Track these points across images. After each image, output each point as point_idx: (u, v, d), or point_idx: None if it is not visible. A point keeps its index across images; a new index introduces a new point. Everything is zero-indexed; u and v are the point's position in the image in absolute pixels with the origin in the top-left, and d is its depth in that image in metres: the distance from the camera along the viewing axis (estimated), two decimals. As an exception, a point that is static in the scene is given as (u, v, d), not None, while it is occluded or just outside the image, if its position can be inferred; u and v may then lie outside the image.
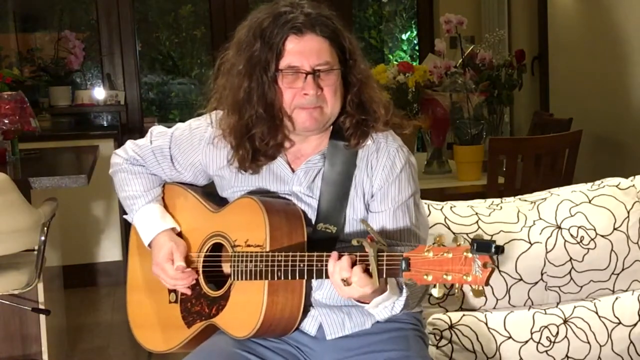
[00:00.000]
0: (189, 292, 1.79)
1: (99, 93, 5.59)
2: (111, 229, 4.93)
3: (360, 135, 1.73)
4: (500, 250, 1.37)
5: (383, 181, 1.71)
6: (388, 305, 1.61)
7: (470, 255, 1.39)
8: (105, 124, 5.77)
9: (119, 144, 4.87)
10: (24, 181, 2.86)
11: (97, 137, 5.03)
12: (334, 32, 1.68)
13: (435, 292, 1.43)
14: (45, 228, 2.83)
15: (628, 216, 2.11)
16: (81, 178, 2.96)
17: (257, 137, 1.69)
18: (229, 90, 1.72)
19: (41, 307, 3.02)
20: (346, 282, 1.52)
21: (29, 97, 3.68)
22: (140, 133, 4.95)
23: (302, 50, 1.64)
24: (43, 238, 2.82)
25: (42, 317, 3.06)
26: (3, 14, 5.71)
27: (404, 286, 1.58)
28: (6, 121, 3.35)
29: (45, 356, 3.11)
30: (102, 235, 4.98)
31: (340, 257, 1.54)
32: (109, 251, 4.97)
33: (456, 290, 1.43)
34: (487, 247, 1.37)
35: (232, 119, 1.71)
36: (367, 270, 1.51)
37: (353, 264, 1.52)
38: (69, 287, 4.22)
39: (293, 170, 1.75)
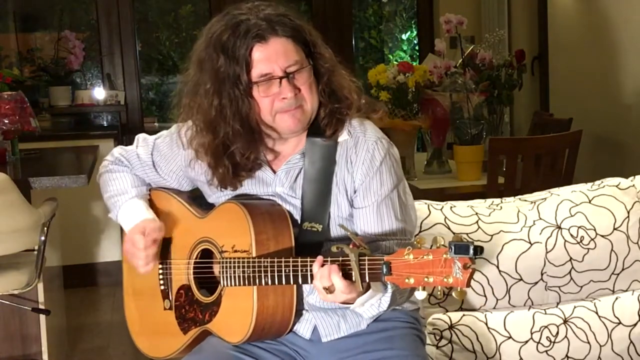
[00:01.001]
0: (180, 296, 1.78)
1: (99, 93, 5.59)
2: (111, 229, 4.93)
3: (336, 124, 1.71)
4: (479, 251, 1.36)
5: (364, 175, 1.70)
6: (374, 303, 1.60)
7: (450, 256, 1.39)
8: (105, 124, 5.78)
9: (119, 144, 4.87)
10: (24, 181, 2.86)
11: (97, 137, 5.03)
12: (294, 30, 1.65)
13: (419, 294, 1.43)
14: (45, 228, 2.83)
15: (628, 216, 2.11)
16: (81, 178, 2.96)
17: (238, 152, 1.67)
18: (197, 110, 1.69)
19: (41, 307, 3.01)
20: (328, 290, 1.51)
21: (29, 97, 3.68)
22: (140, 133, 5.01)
23: (270, 56, 1.62)
24: (43, 238, 2.82)
25: (42, 317, 3.06)
26: (3, 14, 5.71)
27: (388, 283, 1.56)
28: (6, 121, 3.35)
29: (45, 356, 3.11)
30: (102, 235, 4.98)
31: (322, 265, 1.52)
32: (109, 251, 4.97)
33: (439, 292, 1.42)
34: (465, 249, 1.37)
35: (206, 138, 1.69)
36: (348, 276, 1.49)
37: (331, 272, 1.50)
38: (69, 287, 4.22)
39: (274, 172, 1.74)
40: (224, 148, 1.68)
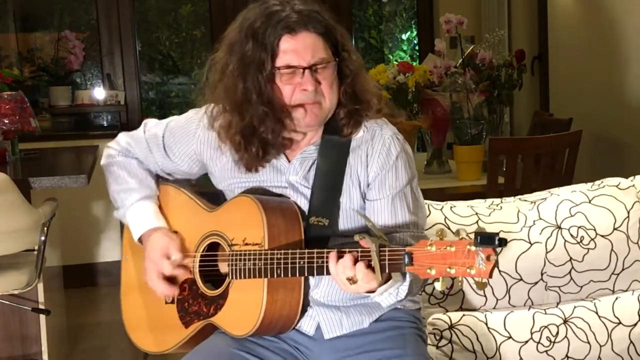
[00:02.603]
0: (183, 289, 1.78)
1: (99, 93, 5.59)
2: (111, 229, 4.93)
3: (354, 125, 1.73)
4: (503, 242, 1.38)
5: (379, 169, 1.72)
6: (392, 292, 1.61)
7: (473, 248, 1.40)
8: (105, 124, 5.78)
9: (119, 144, 4.87)
10: (24, 181, 2.86)
11: (97, 137, 5.04)
12: (326, 28, 1.68)
13: (439, 285, 1.44)
14: (45, 228, 2.83)
15: (628, 216, 2.11)
16: (81, 178, 2.96)
17: (269, 132, 1.68)
18: (223, 90, 1.71)
19: (41, 307, 3.01)
20: (351, 280, 1.52)
21: (29, 97, 3.68)
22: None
23: (297, 49, 1.64)
24: (43, 238, 2.82)
25: (42, 317, 3.06)
26: (3, 14, 5.71)
27: (406, 272, 1.57)
28: (6, 121, 3.35)
29: (45, 356, 3.11)
30: (102, 235, 4.98)
31: (341, 256, 1.54)
32: (109, 251, 4.97)
33: (460, 283, 1.44)
34: (490, 240, 1.38)
35: (234, 118, 1.70)
36: (370, 266, 1.51)
37: (355, 261, 1.52)
38: (69, 287, 4.22)
39: (289, 161, 1.75)
40: (252, 130, 1.69)
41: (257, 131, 1.69)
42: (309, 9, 1.68)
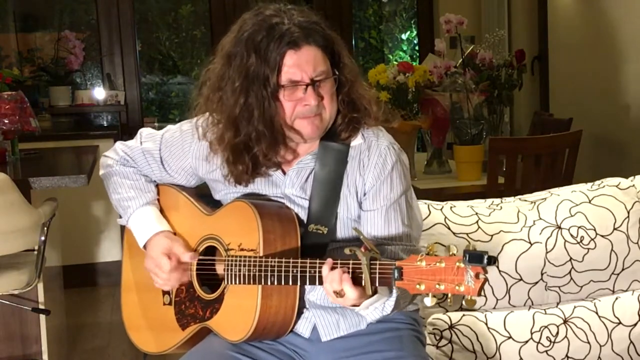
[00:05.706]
0: (181, 292, 1.78)
1: (99, 93, 5.59)
2: (111, 229, 4.93)
3: (352, 130, 1.73)
4: (492, 261, 1.38)
5: (375, 179, 1.71)
6: (378, 307, 1.61)
7: (462, 265, 1.40)
8: (105, 124, 5.78)
9: (119, 144, 4.87)
10: (24, 181, 2.86)
11: (97, 137, 5.03)
12: (325, 39, 1.67)
13: (428, 301, 1.44)
14: (45, 228, 2.83)
15: (628, 216, 2.11)
16: (81, 178, 2.96)
17: (261, 153, 1.68)
18: (219, 104, 1.69)
19: (41, 307, 3.01)
20: (338, 294, 1.52)
21: (29, 97, 3.68)
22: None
23: (300, 64, 1.63)
24: (43, 238, 2.82)
25: (42, 317, 3.06)
26: (3, 14, 5.71)
27: (394, 288, 1.57)
28: (6, 121, 3.35)
29: (45, 356, 3.11)
30: (102, 235, 4.98)
31: (333, 268, 1.53)
32: (109, 251, 4.97)
33: (449, 300, 1.44)
34: (479, 258, 1.38)
35: (227, 134, 1.69)
36: (358, 282, 1.50)
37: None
38: (69, 287, 4.22)
39: (284, 173, 1.75)
40: (245, 147, 1.68)
41: (251, 150, 1.68)
42: (308, 20, 1.66)
